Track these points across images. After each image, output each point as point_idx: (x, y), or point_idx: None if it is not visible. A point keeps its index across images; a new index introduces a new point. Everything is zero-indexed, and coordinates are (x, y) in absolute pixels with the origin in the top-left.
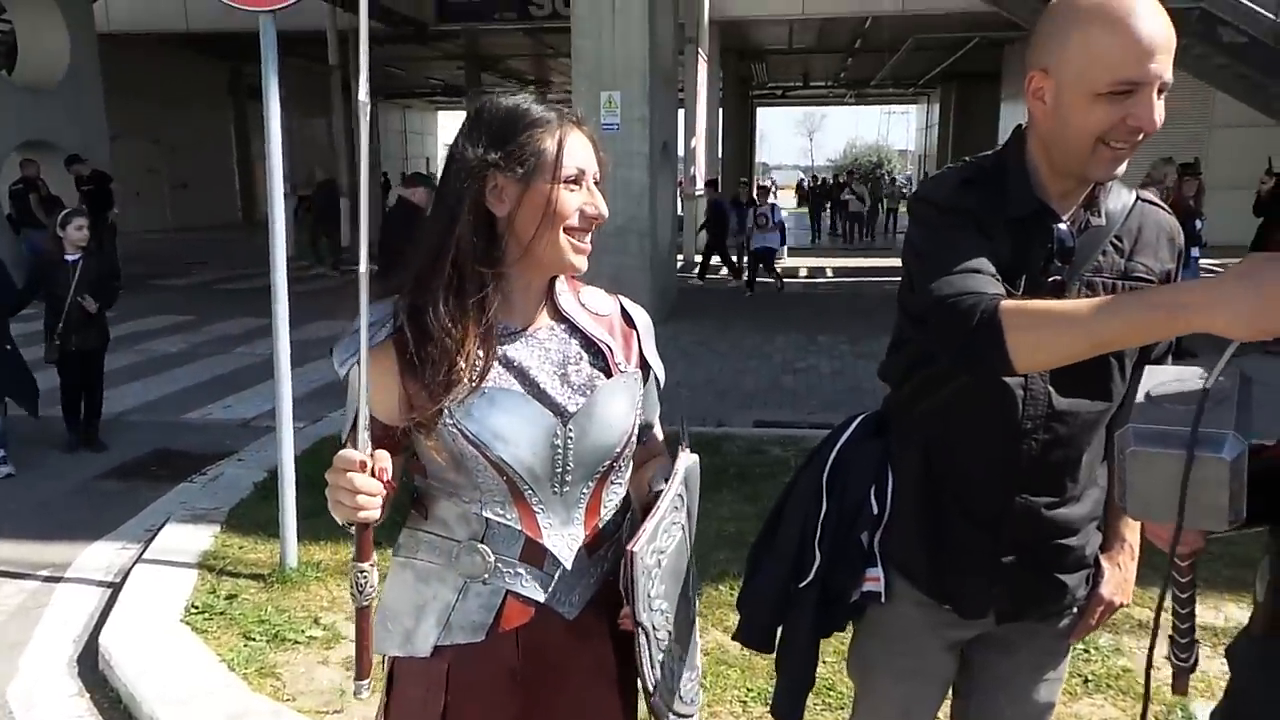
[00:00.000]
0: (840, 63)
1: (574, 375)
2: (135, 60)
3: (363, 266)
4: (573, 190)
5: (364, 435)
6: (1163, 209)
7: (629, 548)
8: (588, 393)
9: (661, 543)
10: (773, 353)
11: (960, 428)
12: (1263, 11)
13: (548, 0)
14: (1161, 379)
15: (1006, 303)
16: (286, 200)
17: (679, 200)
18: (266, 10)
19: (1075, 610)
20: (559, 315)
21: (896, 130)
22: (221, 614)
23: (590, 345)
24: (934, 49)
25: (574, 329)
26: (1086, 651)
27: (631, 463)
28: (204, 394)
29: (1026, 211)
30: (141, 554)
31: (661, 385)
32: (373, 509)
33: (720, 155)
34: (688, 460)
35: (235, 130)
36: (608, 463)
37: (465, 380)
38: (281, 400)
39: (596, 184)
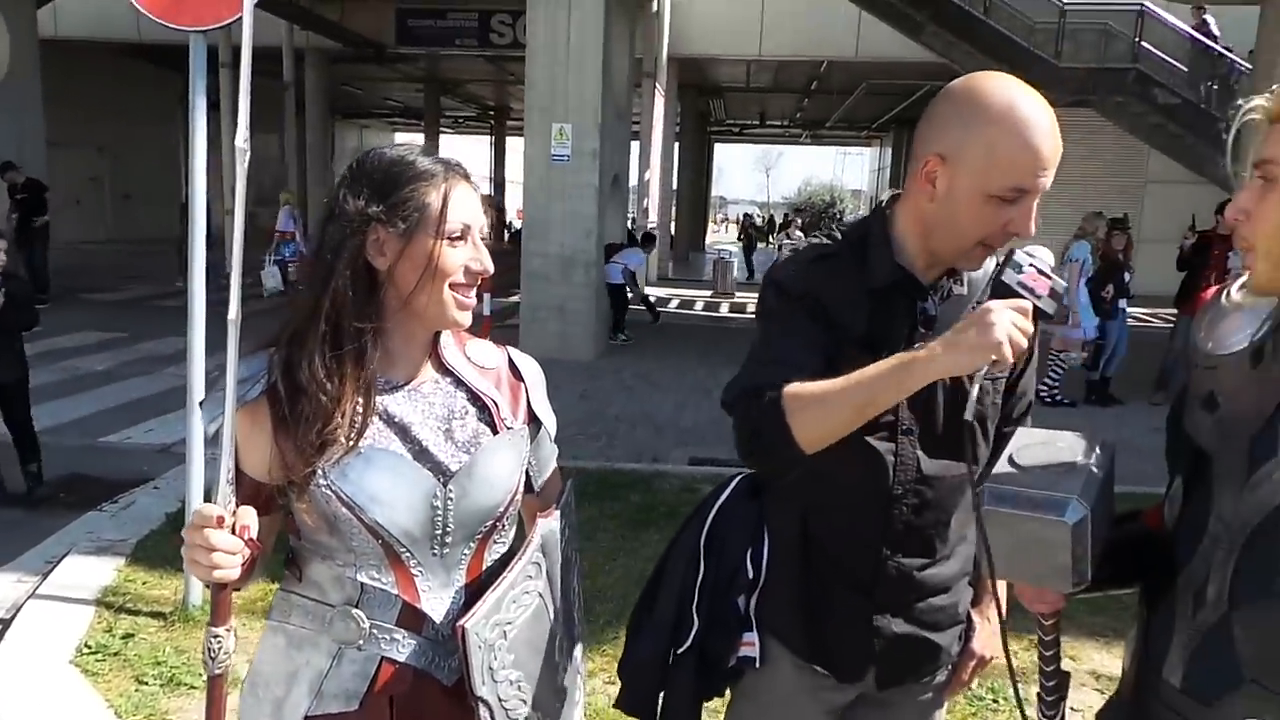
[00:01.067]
0: (797, 103)
1: (458, 431)
2: (85, 68)
3: (232, 312)
4: (457, 246)
5: (227, 489)
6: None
7: (460, 624)
8: (471, 450)
9: (508, 614)
10: (714, 388)
11: (833, 493)
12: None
13: (508, 29)
14: (1028, 441)
15: (787, 389)
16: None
17: (629, 232)
18: (198, 30)
19: (950, 666)
20: (444, 368)
21: (851, 170)
22: (115, 654)
23: (476, 400)
24: (886, 94)
25: (459, 383)
26: (996, 701)
27: (516, 520)
28: (125, 416)
29: (889, 282)
30: (37, 588)
31: (553, 436)
32: (230, 568)
33: (676, 189)
34: (545, 527)
35: (184, 142)
36: (490, 523)
37: (341, 439)
38: (192, 427)
39: (483, 238)
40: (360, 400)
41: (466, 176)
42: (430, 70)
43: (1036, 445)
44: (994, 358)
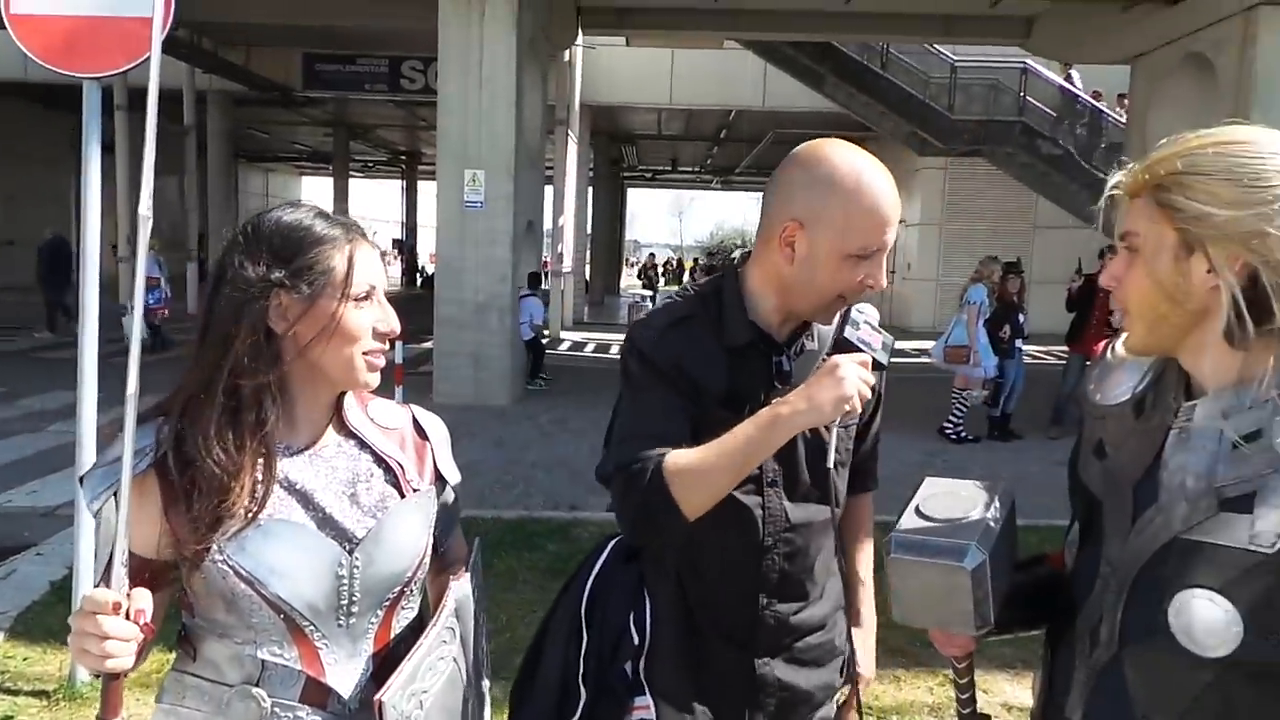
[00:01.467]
0: (707, 150)
1: (364, 495)
2: None
3: (131, 386)
4: (363, 307)
5: (120, 572)
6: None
7: (377, 697)
8: (378, 514)
9: (424, 683)
10: None
11: (707, 551)
12: (1058, 117)
13: (419, 74)
14: (933, 491)
15: (667, 461)
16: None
17: (545, 277)
18: (92, 77)
19: (837, 696)
20: (347, 431)
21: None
22: None
23: (381, 462)
24: (793, 142)
25: (363, 445)
26: None
27: (420, 592)
28: (5, 477)
29: (745, 341)
30: None
31: (457, 497)
32: (124, 657)
33: (590, 233)
34: (459, 590)
35: (75, 187)
36: (398, 589)
37: (240, 512)
38: (80, 488)
39: (386, 296)
40: (261, 471)
41: (366, 236)
42: (339, 114)
43: (941, 495)
44: (847, 408)
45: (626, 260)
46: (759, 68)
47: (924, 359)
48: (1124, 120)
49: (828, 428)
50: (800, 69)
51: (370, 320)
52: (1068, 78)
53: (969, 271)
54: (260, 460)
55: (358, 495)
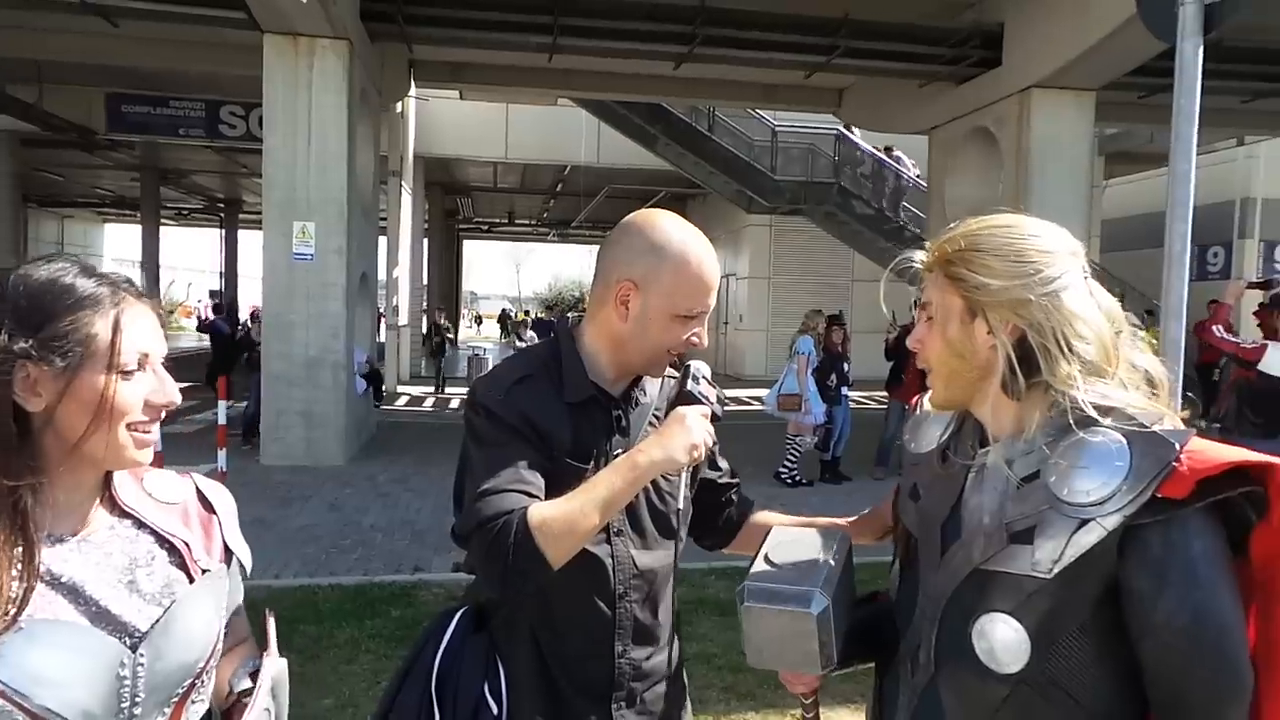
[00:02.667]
0: (543, 203)
1: (145, 582)
2: None
3: None
4: (134, 379)
5: None
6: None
7: None
8: (164, 601)
9: None
10: None
11: (560, 605)
12: (870, 180)
13: (240, 120)
14: (781, 540)
15: (530, 512)
16: None
17: (381, 331)
18: None
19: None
20: (121, 511)
21: None
22: None
23: (164, 542)
24: (627, 198)
25: (141, 525)
26: None
27: (213, 676)
28: None
29: (584, 396)
30: None
31: (248, 571)
32: None
33: (426, 284)
34: (274, 667)
35: None
36: (189, 681)
37: None
38: None
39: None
40: (19, 570)
41: (140, 295)
42: (148, 159)
43: (787, 543)
44: (696, 454)
45: (464, 314)
46: (594, 125)
47: (758, 406)
48: (925, 183)
49: (677, 472)
50: (632, 128)
51: (143, 393)
52: (888, 149)
53: (796, 322)
54: (18, 560)
55: (138, 582)
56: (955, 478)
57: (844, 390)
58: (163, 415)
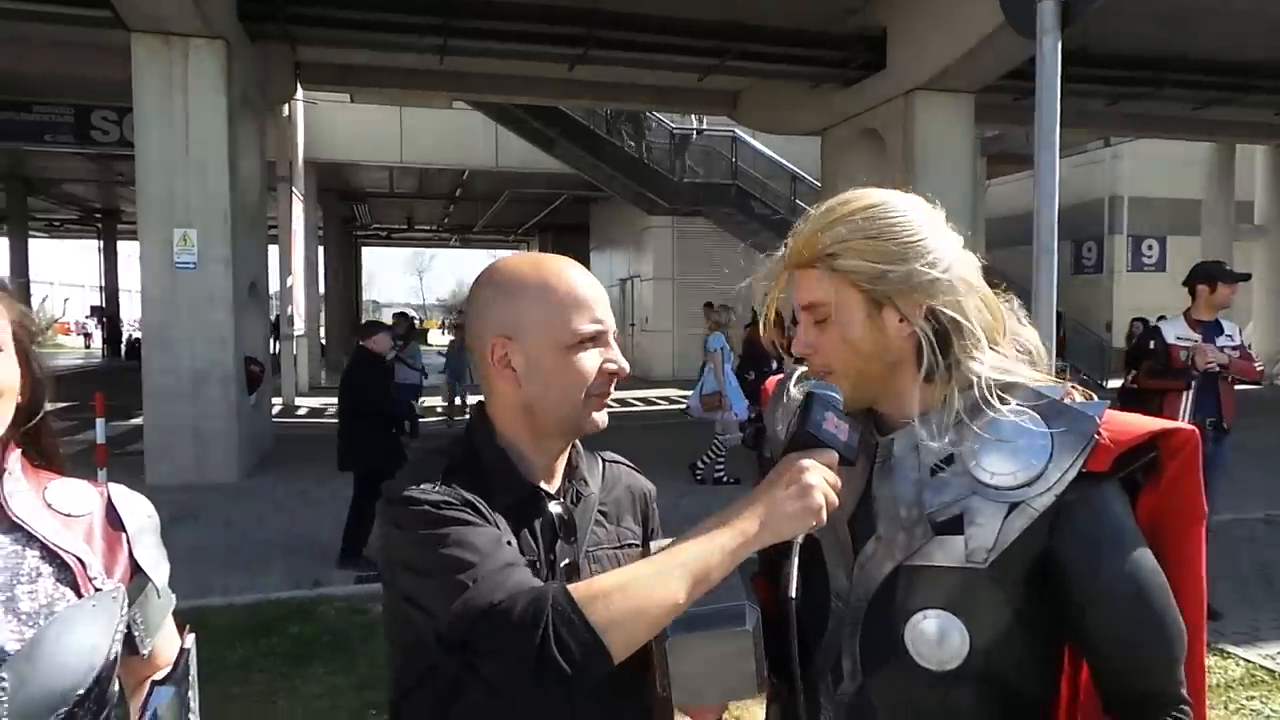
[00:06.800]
0: (444, 209)
1: (25, 600)
2: None
3: None
4: None
5: None
6: (628, 466)
7: None
8: (41, 622)
9: None
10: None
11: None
12: (768, 181)
13: (114, 125)
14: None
15: (572, 588)
16: None
17: (274, 341)
18: None
19: None
20: (10, 523)
21: None
22: None
23: (54, 558)
24: (529, 202)
25: (31, 539)
26: None
27: (111, 703)
28: None
29: (520, 497)
30: None
31: (164, 589)
32: None
33: (323, 293)
34: (159, 698)
35: None
36: (65, 710)
37: None
38: None
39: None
40: None
41: None
42: (13, 168)
43: None
44: (814, 524)
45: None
46: (491, 128)
47: (667, 406)
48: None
49: (788, 547)
50: (531, 131)
51: None
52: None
53: (703, 322)
54: None
55: (16, 600)
56: (857, 470)
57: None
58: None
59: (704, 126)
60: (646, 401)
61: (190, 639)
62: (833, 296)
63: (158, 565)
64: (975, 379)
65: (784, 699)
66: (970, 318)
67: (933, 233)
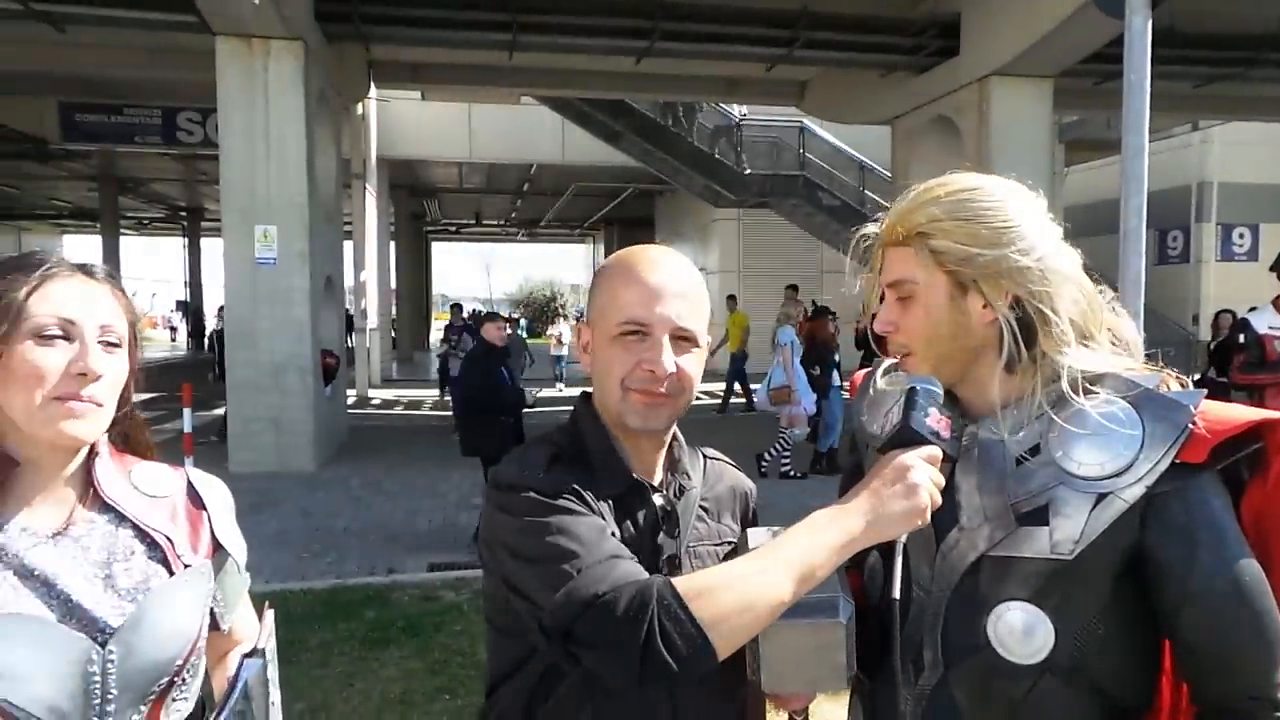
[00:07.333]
0: (511, 204)
1: (122, 577)
2: None
3: None
4: (56, 345)
5: None
6: (730, 464)
7: None
8: (139, 597)
9: None
10: (448, 490)
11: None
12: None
13: (198, 126)
14: (761, 543)
15: (676, 582)
16: None
17: (349, 335)
18: None
19: None
20: (103, 504)
21: (572, 264)
22: None
23: (145, 537)
24: (595, 195)
25: (122, 519)
26: None
27: (202, 668)
28: None
29: (624, 487)
30: None
31: (242, 567)
32: None
33: (395, 288)
34: (249, 669)
35: None
36: (166, 680)
37: None
38: None
39: (115, 344)
40: None
41: (85, 271)
42: (105, 168)
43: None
44: (920, 523)
45: (437, 316)
46: (558, 123)
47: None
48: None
49: (891, 548)
50: (597, 125)
51: (62, 361)
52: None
53: (769, 314)
54: None
55: (114, 577)
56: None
57: (835, 382)
58: (83, 388)
59: (771, 118)
60: (709, 395)
61: (269, 615)
62: (919, 275)
63: (235, 543)
64: (1061, 371)
65: (866, 692)
66: (1059, 310)
67: (1028, 221)
